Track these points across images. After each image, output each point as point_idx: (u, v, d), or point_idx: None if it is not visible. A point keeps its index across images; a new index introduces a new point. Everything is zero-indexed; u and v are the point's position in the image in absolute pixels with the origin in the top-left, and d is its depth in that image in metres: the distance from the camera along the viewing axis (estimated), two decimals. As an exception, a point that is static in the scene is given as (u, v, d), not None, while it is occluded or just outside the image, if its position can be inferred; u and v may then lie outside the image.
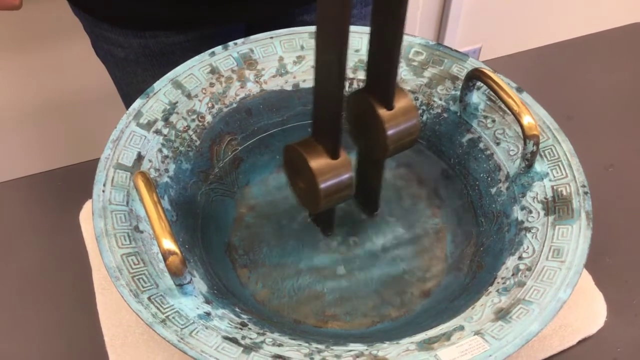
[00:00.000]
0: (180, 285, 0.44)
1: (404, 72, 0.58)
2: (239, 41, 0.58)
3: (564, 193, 0.50)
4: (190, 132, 0.55)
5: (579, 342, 0.54)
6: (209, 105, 0.56)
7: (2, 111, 1.17)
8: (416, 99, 0.58)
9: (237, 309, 0.47)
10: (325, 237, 0.57)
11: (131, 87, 0.77)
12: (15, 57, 1.10)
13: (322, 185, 0.46)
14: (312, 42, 0.59)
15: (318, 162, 0.46)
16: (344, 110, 0.45)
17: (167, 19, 0.70)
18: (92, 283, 0.57)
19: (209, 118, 0.56)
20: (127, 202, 0.49)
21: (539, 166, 0.52)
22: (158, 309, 0.43)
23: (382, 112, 0.47)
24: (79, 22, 0.76)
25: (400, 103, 0.47)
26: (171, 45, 0.71)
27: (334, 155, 0.47)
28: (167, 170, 0.53)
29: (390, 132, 0.47)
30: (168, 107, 0.54)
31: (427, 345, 0.43)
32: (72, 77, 1.15)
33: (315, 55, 0.42)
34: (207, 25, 0.71)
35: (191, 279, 0.45)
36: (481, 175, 0.55)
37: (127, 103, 0.82)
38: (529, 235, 0.49)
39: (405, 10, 0.42)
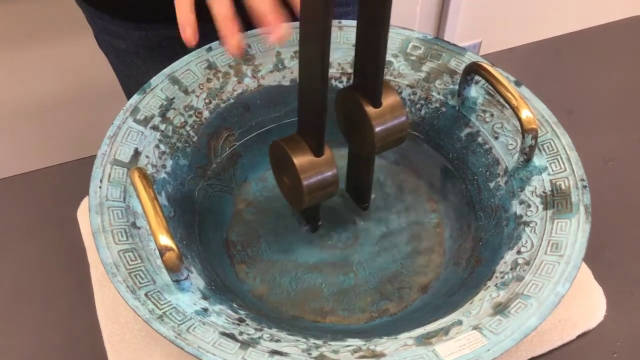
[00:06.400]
0: (177, 281, 0.44)
1: (401, 66, 0.58)
2: (236, 36, 0.58)
3: (563, 187, 0.50)
4: (188, 128, 0.55)
5: (579, 337, 0.54)
6: (206, 100, 0.56)
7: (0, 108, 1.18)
8: (414, 93, 0.58)
9: (234, 305, 0.47)
10: (312, 232, 0.57)
11: (132, 80, 0.77)
12: (13, 54, 1.10)
13: (306, 182, 0.47)
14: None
15: (302, 159, 0.47)
16: (329, 107, 0.45)
17: (167, 11, 0.69)
18: (90, 280, 0.57)
19: (206, 114, 0.56)
20: (124, 199, 0.49)
21: (537, 160, 0.51)
22: (155, 305, 0.43)
23: (370, 109, 0.47)
24: (79, 16, 0.76)
25: (387, 100, 0.47)
26: (171, 38, 0.71)
27: (318, 152, 0.47)
28: (164, 166, 0.53)
29: (377, 129, 0.47)
30: (165, 102, 0.54)
31: (425, 340, 0.43)
32: (70, 73, 1.15)
33: (299, 53, 0.42)
34: (207, 19, 0.71)
35: (188, 275, 0.44)
36: (480, 169, 0.55)
37: (129, 95, 0.82)
38: (527, 229, 0.49)
39: (389, 11, 0.42)
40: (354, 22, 0.59)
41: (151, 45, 0.72)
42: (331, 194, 0.49)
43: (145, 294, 0.44)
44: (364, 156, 0.53)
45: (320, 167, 0.47)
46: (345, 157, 0.56)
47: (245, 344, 0.42)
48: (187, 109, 0.55)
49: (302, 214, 0.57)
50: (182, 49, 0.59)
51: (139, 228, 0.48)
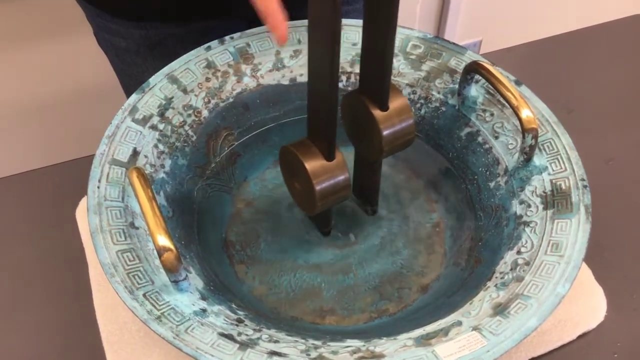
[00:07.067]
0: (175, 282, 0.44)
1: (401, 65, 0.58)
2: (235, 35, 0.58)
3: (563, 187, 0.49)
4: (187, 128, 0.54)
5: (579, 337, 0.54)
6: (205, 100, 0.56)
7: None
8: (414, 92, 0.57)
9: (233, 305, 0.47)
10: (324, 236, 0.56)
11: (132, 79, 0.77)
12: (12, 53, 1.10)
13: (318, 187, 0.46)
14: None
15: (313, 164, 0.46)
16: (338, 111, 0.44)
17: (167, 11, 0.69)
18: (88, 280, 0.57)
19: (205, 113, 0.56)
20: (123, 198, 0.49)
21: (537, 160, 0.51)
22: (153, 305, 0.43)
23: (377, 113, 0.47)
24: (78, 14, 0.75)
25: (395, 103, 0.47)
26: (172, 36, 0.71)
27: (330, 156, 0.46)
28: (163, 166, 0.52)
29: (385, 132, 0.47)
30: (164, 102, 0.54)
31: (424, 341, 0.43)
32: (69, 72, 1.15)
33: (308, 58, 0.42)
34: (208, 18, 0.71)
35: (186, 276, 0.44)
36: (480, 169, 0.54)
37: (128, 94, 0.81)
38: (527, 229, 0.48)
39: (396, 14, 0.42)
40: (354, 22, 0.59)
41: (151, 44, 0.72)
42: (343, 198, 0.49)
43: (144, 295, 0.44)
44: (372, 160, 0.52)
45: (333, 171, 0.47)
46: (349, 157, 0.56)
47: (244, 345, 0.42)
48: (186, 109, 0.55)
49: (314, 219, 0.57)
50: (182, 48, 0.59)
51: (137, 228, 0.47)
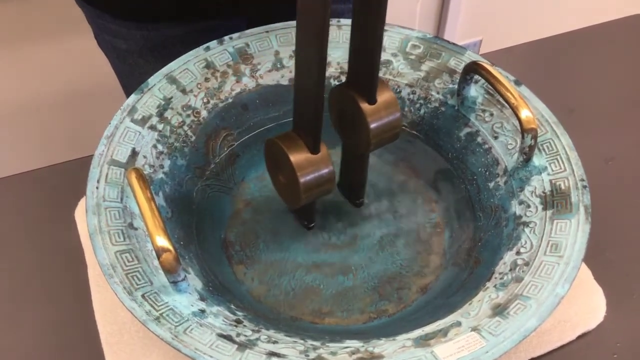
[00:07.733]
0: (174, 283, 0.44)
1: (401, 65, 0.58)
2: (235, 35, 0.58)
3: (563, 187, 0.49)
4: (186, 128, 0.54)
5: (579, 337, 0.54)
6: (204, 100, 0.56)
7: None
8: (413, 92, 0.57)
9: (232, 306, 0.47)
10: (307, 230, 0.57)
11: (133, 80, 0.77)
12: (12, 53, 1.10)
13: (302, 180, 0.47)
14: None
15: (298, 157, 0.46)
16: (325, 104, 0.45)
17: (168, 11, 0.69)
18: (87, 280, 0.57)
19: (204, 113, 0.55)
20: (122, 199, 0.49)
21: (537, 160, 0.51)
22: (152, 306, 0.43)
23: (365, 106, 0.47)
24: (77, 15, 0.75)
25: (382, 97, 0.47)
26: (173, 37, 0.71)
27: (315, 149, 0.47)
28: (162, 166, 0.52)
29: (372, 126, 0.47)
30: (163, 102, 0.54)
31: (423, 341, 0.43)
32: (70, 72, 1.15)
33: (295, 51, 0.42)
34: (208, 18, 0.71)
35: (185, 276, 0.44)
36: (479, 169, 0.54)
37: (129, 95, 0.81)
38: (527, 229, 0.48)
39: (385, 6, 0.42)
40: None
41: (152, 45, 0.72)
42: (327, 191, 0.49)
43: (142, 295, 0.43)
44: (359, 153, 0.52)
45: (317, 164, 0.47)
46: (336, 156, 0.56)
47: (243, 346, 0.42)
48: (185, 109, 0.55)
49: (297, 212, 0.57)
50: (183, 48, 0.59)
51: (136, 229, 0.47)
